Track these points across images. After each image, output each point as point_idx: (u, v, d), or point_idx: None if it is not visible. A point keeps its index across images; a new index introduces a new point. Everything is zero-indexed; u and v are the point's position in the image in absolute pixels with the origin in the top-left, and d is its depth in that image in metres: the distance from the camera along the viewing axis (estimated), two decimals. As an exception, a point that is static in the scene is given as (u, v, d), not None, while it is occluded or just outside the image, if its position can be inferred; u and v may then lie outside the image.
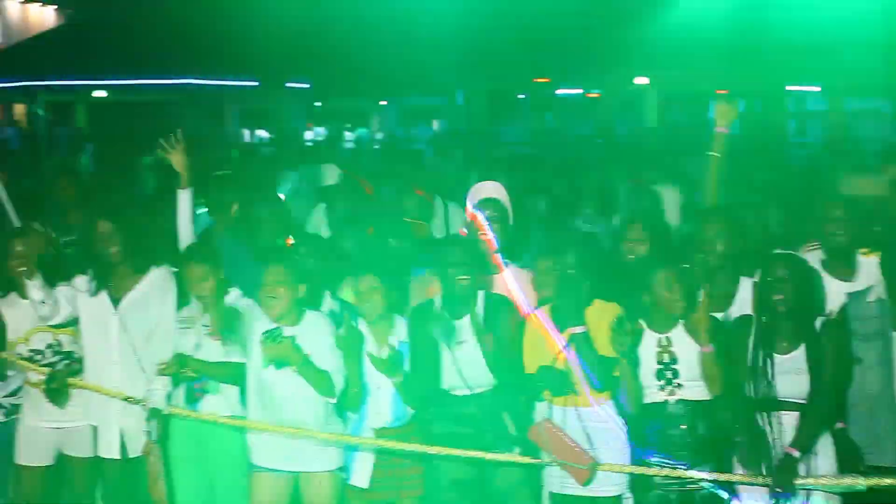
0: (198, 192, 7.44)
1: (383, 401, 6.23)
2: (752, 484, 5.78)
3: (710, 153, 6.97)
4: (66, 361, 6.70)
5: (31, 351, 6.70)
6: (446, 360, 6.03)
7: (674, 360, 5.94)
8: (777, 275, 5.84)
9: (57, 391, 6.55)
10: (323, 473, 6.20)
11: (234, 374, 6.28)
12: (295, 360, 5.92)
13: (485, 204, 6.66)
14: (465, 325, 6.09)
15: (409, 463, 6.24)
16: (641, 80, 27.78)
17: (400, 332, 6.34)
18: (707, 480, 5.76)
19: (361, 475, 6.18)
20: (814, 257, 6.59)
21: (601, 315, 5.90)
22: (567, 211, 10.10)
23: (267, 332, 5.90)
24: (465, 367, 5.98)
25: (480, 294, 6.12)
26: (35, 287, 6.50)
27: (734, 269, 6.45)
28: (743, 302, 6.28)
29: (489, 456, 5.87)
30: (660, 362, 5.95)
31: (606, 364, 5.80)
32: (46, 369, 6.63)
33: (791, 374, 5.80)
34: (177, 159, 7.24)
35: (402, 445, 6.04)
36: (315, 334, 6.11)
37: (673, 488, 5.87)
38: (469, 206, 6.84)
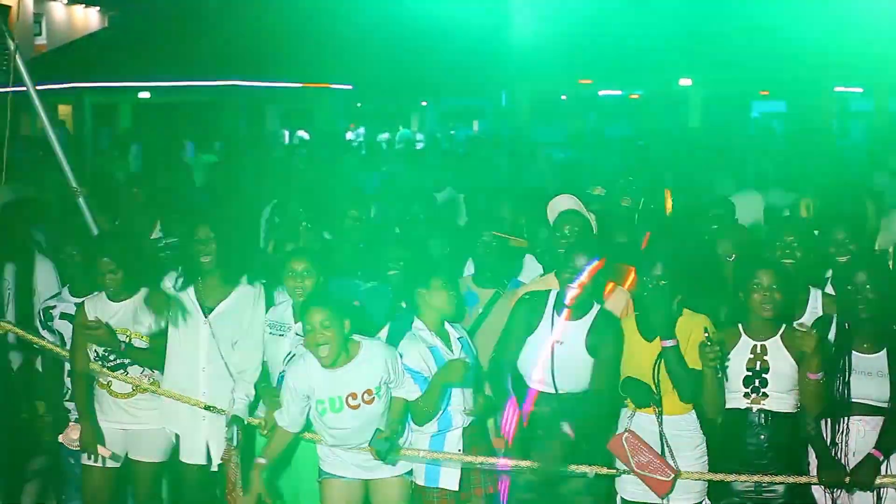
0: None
1: (468, 399, 6.23)
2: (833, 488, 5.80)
3: None
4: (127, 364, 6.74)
5: (106, 351, 6.75)
6: (541, 355, 5.99)
7: (765, 370, 5.84)
8: (859, 278, 5.83)
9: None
10: (392, 479, 6.22)
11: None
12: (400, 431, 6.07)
13: (566, 217, 6.65)
14: (570, 326, 6.02)
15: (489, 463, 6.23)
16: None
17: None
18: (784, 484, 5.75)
19: (451, 478, 6.18)
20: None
21: (690, 327, 5.85)
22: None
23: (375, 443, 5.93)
24: (560, 366, 5.91)
25: (595, 306, 6.07)
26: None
27: (806, 277, 6.44)
28: (814, 310, 6.28)
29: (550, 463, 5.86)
30: (750, 369, 5.86)
31: (694, 376, 5.76)
32: (118, 373, 6.67)
33: (873, 377, 5.78)
34: None
35: (482, 459, 6.09)
36: (372, 366, 6.06)
37: (750, 496, 5.82)
38: (550, 218, 6.81)
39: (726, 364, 5.83)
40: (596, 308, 6.05)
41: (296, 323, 6.41)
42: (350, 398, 6.01)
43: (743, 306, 6.00)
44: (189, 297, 6.69)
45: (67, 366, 6.91)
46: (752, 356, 5.87)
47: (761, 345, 5.89)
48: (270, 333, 6.54)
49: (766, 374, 5.83)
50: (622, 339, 6.02)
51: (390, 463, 6.08)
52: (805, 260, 6.49)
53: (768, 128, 26.71)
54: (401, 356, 6.11)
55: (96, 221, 7.54)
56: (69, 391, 6.99)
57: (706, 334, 5.67)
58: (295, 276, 6.43)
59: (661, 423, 5.80)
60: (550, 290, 6.13)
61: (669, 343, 5.76)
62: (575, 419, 5.87)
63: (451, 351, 6.19)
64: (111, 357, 6.69)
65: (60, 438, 6.83)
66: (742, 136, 23.72)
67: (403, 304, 6.63)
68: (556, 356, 5.90)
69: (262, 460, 6.11)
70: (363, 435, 6.05)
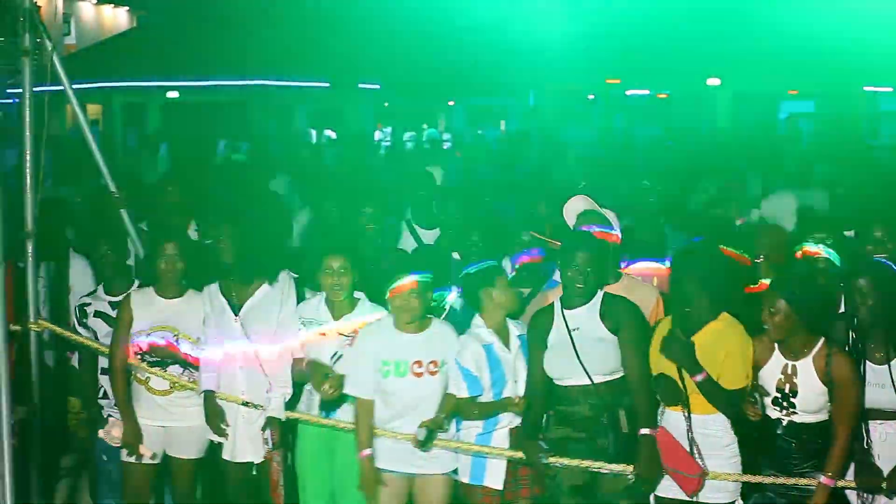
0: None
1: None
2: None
3: None
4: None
5: (150, 346, 6.76)
6: (564, 349, 5.98)
7: (793, 393, 5.72)
8: (861, 283, 5.76)
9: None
10: (438, 476, 6.24)
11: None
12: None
13: (587, 218, 6.65)
14: (581, 312, 6.01)
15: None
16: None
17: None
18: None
19: (495, 476, 6.19)
20: None
21: (727, 335, 5.76)
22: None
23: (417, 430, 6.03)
24: (584, 350, 5.91)
25: (599, 293, 6.06)
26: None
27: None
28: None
29: (596, 465, 5.87)
30: (779, 390, 5.75)
31: (733, 397, 5.68)
32: (156, 369, 6.71)
33: (885, 388, 5.72)
34: None
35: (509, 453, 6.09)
36: (442, 340, 6.21)
37: (783, 498, 5.79)
38: (570, 222, 6.81)
39: (757, 382, 5.79)
40: (600, 293, 6.07)
41: (335, 320, 6.44)
42: (415, 365, 6.14)
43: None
44: (217, 295, 6.72)
45: (102, 363, 6.96)
46: (782, 377, 5.76)
47: (792, 365, 5.76)
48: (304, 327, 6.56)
49: (795, 397, 5.72)
50: (639, 313, 6.05)
51: (425, 450, 6.11)
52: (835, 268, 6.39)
53: (796, 128, 26.59)
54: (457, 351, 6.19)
55: (135, 225, 7.59)
56: (102, 388, 7.04)
57: (751, 392, 5.64)
58: (332, 274, 6.44)
59: (689, 422, 5.77)
60: (554, 300, 6.18)
61: (699, 377, 5.69)
62: (617, 410, 5.90)
63: (509, 349, 6.19)
64: (152, 352, 6.74)
65: (101, 434, 6.87)
66: (770, 135, 23.62)
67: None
68: (576, 342, 5.93)
69: (366, 451, 6.14)
70: (415, 411, 6.12)
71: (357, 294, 6.55)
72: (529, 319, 6.26)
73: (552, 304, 6.14)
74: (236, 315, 6.67)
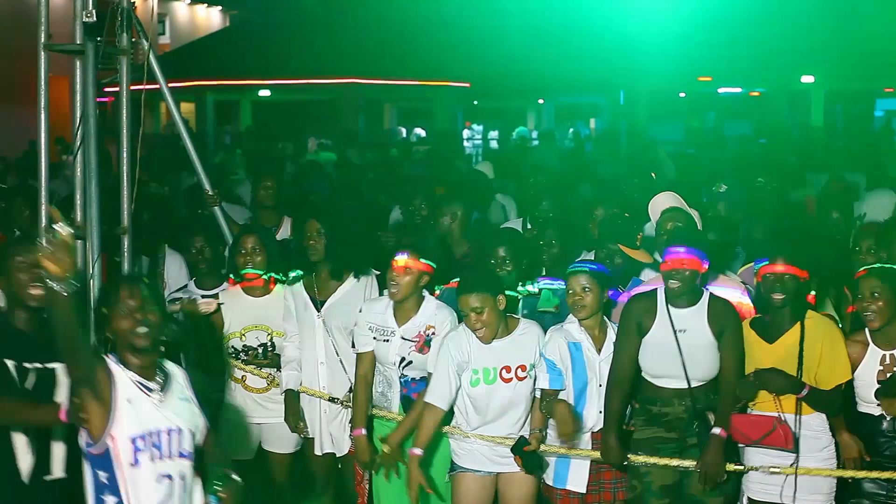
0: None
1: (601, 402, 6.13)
2: None
3: None
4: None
5: (245, 347, 6.85)
6: (666, 349, 5.85)
7: None
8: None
9: None
10: (523, 474, 6.15)
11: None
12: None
13: (669, 215, 6.57)
14: (689, 313, 5.85)
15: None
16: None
17: None
18: None
19: (578, 480, 6.15)
20: None
21: (817, 333, 5.66)
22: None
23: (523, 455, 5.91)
24: (689, 354, 5.80)
25: (706, 292, 5.92)
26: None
27: None
28: None
29: (685, 464, 5.79)
30: (881, 382, 5.62)
31: (836, 398, 5.61)
32: (252, 367, 6.79)
33: None
34: None
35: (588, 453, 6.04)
36: (528, 342, 6.08)
37: (881, 500, 5.69)
38: (653, 218, 6.74)
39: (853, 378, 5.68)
40: (707, 293, 5.96)
41: (399, 327, 6.37)
42: (504, 371, 6.02)
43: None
44: (301, 291, 6.77)
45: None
46: (881, 368, 5.64)
47: (890, 354, 5.64)
48: (374, 338, 6.39)
49: None
50: (739, 318, 5.88)
51: (538, 474, 6.08)
52: None
53: (891, 126, 26.14)
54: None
55: (230, 226, 7.69)
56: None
57: (849, 446, 5.59)
58: (391, 277, 6.28)
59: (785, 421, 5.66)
60: (658, 287, 6.03)
61: (804, 393, 5.59)
62: (706, 412, 5.81)
63: (598, 353, 6.13)
64: (249, 352, 6.81)
65: None
66: (866, 133, 23.25)
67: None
68: (682, 345, 5.81)
69: (417, 451, 6.03)
70: (505, 415, 6.06)
71: (426, 295, 6.40)
72: (626, 301, 6.10)
73: (654, 292, 5.94)
74: (318, 311, 6.70)
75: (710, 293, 5.91)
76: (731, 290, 6.29)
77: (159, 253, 7.71)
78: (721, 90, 31.45)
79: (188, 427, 4.42)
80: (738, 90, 31.99)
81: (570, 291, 6.04)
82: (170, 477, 4.32)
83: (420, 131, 30.50)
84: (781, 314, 5.72)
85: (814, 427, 5.67)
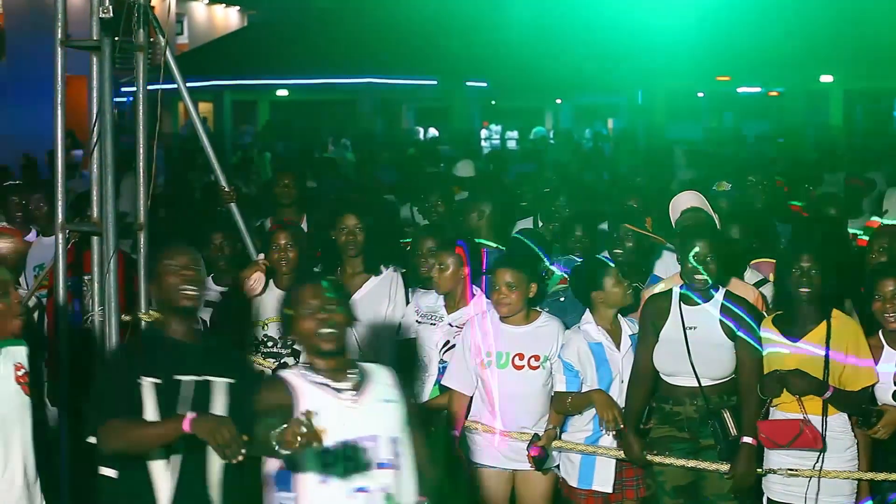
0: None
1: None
2: None
3: None
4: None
5: (265, 336, 6.81)
6: (676, 347, 5.82)
7: None
8: None
9: None
10: (538, 473, 6.13)
11: None
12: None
13: (689, 214, 6.56)
14: (700, 311, 5.82)
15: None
16: None
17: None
18: None
19: (605, 480, 6.07)
20: None
21: (842, 334, 5.57)
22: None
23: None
24: (698, 351, 5.77)
25: (720, 290, 5.87)
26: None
27: None
28: None
29: (691, 464, 5.75)
30: None
31: (861, 399, 5.53)
32: (270, 361, 6.79)
33: None
34: None
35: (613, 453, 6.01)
36: (546, 334, 6.10)
37: None
38: (673, 216, 6.72)
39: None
40: (721, 291, 5.93)
41: (448, 314, 6.44)
42: (517, 357, 6.04)
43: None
44: None
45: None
46: None
47: None
48: (420, 322, 6.52)
49: None
50: (758, 322, 5.81)
51: (543, 470, 6.06)
52: None
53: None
54: (561, 346, 6.10)
55: (246, 224, 7.71)
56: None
57: (873, 417, 5.49)
58: (438, 268, 6.41)
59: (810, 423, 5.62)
60: (673, 287, 6.01)
61: (828, 395, 5.51)
62: (722, 412, 5.77)
63: (618, 349, 6.09)
64: (269, 344, 6.82)
65: None
66: (885, 132, 23.17)
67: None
68: (690, 343, 5.73)
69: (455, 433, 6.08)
70: (512, 405, 6.04)
71: (475, 288, 6.47)
72: (644, 302, 6.08)
73: (670, 291, 5.92)
74: None
75: (726, 291, 5.87)
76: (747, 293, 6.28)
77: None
78: (740, 90, 31.38)
79: (387, 433, 4.17)
80: (757, 90, 31.91)
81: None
82: (365, 490, 4.09)
83: (434, 131, 30.48)
84: (806, 311, 5.63)
85: (836, 428, 5.60)
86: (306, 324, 4.17)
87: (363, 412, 4.15)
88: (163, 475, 4.29)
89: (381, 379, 4.30)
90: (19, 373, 4.50)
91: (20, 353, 4.54)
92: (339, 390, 4.15)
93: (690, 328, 5.76)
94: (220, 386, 4.37)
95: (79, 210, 7.32)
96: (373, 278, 6.72)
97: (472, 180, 11.01)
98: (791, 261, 5.68)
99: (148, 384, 4.27)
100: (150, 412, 4.25)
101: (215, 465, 4.30)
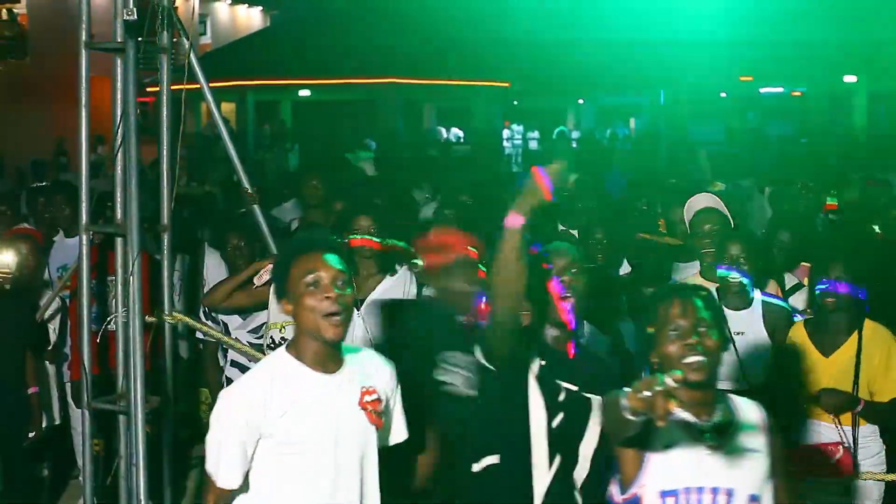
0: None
1: None
2: None
3: None
4: None
5: (283, 339, 6.69)
6: None
7: None
8: None
9: None
10: None
11: None
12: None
13: (705, 215, 6.53)
14: (744, 316, 5.77)
15: None
16: None
17: None
18: None
19: None
20: None
21: (873, 346, 5.51)
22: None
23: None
24: (748, 356, 5.64)
25: (758, 295, 5.83)
26: None
27: None
28: None
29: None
30: None
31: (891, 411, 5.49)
32: None
33: None
34: None
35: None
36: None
37: None
38: (687, 218, 6.70)
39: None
40: (759, 295, 5.86)
41: None
42: None
43: None
44: None
45: (233, 356, 7.08)
46: None
47: None
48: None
49: None
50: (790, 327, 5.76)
51: None
52: None
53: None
54: None
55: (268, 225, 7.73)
56: (228, 380, 7.14)
57: None
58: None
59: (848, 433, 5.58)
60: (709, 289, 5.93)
61: (859, 408, 5.46)
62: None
63: None
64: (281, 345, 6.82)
65: None
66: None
67: None
68: (740, 348, 5.65)
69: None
70: None
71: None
72: None
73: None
74: (358, 309, 6.69)
75: (763, 297, 5.82)
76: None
77: (199, 251, 7.76)
78: (763, 90, 31.26)
79: (746, 489, 3.51)
80: (780, 90, 31.79)
81: None
82: None
83: (458, 131, 30.46)
84: (837, 321, 5.57)
85: (866, 434, 5.57)
86: (671, 347, 3.50)
87: (723, 458, 3.51)
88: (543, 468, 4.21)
89: (753, 419, 3.62)
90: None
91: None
92: (701, 429, 3.51)
93: (738, 333, 5.66)
94: None
95: (100, 210, 7.35)
96: (387, 278, 6.69)
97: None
98: (818, 271, 5.63)
99: None
100: None
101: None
